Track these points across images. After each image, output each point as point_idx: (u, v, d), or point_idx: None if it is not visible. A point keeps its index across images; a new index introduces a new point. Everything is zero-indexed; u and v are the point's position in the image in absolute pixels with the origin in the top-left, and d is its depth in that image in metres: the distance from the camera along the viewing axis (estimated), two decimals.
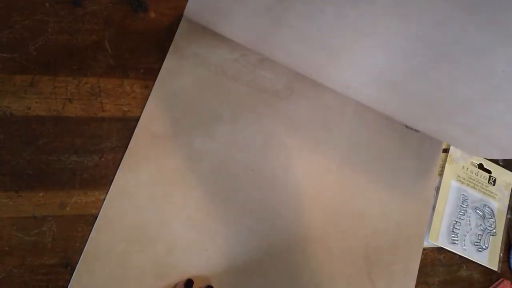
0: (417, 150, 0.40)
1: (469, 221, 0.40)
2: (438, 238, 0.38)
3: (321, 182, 0.36)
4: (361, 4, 0.24)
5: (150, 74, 0.33)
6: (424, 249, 0.38)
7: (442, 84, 0.27)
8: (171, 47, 0.33)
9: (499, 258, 0.40)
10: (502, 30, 0.22)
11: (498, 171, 0.43)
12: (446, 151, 0.41)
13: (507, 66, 0.24)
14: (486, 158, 0.42)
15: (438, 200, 0.39)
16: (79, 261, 0.29)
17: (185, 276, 0.31)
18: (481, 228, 0.40)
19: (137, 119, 0.32)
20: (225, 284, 0.32)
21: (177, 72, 0.33)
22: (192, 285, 0.30)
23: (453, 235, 0.39)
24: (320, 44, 0.29)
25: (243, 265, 0.33)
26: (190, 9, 0.32)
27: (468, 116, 0.30)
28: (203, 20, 0.32)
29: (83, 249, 0.29)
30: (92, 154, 0.31)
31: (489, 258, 0.40)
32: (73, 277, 0.29)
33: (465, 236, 0.39)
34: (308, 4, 0.25)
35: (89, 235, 0.30)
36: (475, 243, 0.40)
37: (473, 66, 0.25)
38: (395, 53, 0.27)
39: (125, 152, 0.31)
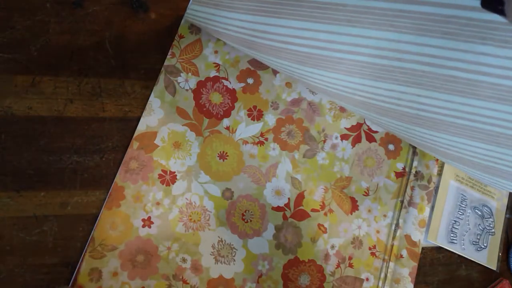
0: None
1: (468, 221, 0.40)
2: (437, 238, 0.39)
3: None
4: None
5: (150, 74, 0.33)
6: (423, 248, 0.38)
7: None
8: (171, 47, 0.33)
9: (498, 257, 0.40)
10: None
11: None
12: None
13: None
14: None
15: (437, 200, 0.39)
16: (80, 261, 0.29)
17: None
18: (480, 227, 0.40)
19: (138, 119, 0.32)
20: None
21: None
22: None
23: (452, 235, 0.39)
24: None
25: None
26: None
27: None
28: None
29: (84, 248, 0.29)
30: (93, 154, 0.31)
31: (488, 257, 0.40)
32: (73, 276, 0.29)
33: (464, 235, 0.39)
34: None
35: (90, 234, 0.30)
36: (474, 243, 0.40)
37: None
38: None
39: (125, 152, 0.31)
